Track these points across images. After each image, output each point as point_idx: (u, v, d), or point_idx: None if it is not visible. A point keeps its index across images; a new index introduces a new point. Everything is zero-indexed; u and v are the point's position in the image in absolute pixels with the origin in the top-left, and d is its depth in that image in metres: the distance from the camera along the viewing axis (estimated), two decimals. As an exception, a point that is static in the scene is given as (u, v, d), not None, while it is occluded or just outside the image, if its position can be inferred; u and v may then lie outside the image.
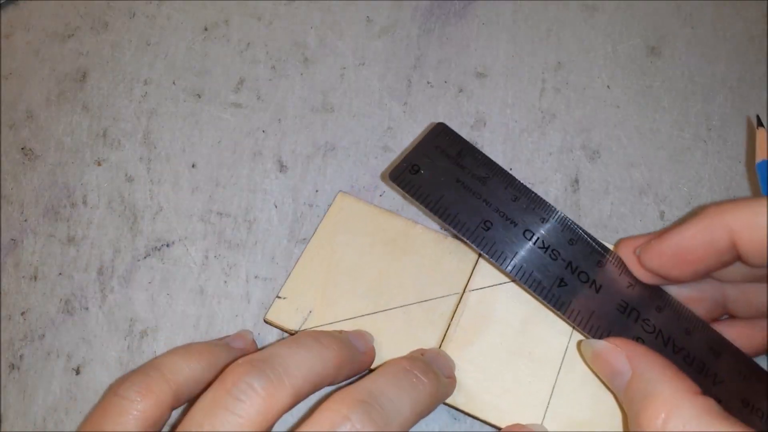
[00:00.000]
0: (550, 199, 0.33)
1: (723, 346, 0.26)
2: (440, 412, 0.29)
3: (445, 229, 0.31)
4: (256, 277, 0.32)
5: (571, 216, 0.33)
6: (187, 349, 0.26)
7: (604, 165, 0.34)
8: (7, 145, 0.36)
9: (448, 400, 0.27)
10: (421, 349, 0.28)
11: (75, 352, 0.31)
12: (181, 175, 0.35)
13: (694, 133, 0.35)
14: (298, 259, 0.31)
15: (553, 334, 0.29)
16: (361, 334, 0.28)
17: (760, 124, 0.32)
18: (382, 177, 0.34)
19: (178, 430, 0.22)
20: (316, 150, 0.35)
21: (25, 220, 0.34)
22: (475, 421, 0.28)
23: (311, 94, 0.37)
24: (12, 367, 0.31)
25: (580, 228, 0.28)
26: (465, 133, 0.35)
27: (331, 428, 0.20)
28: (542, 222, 0.28)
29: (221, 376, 0.22)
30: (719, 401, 0.21)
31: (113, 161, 0.35)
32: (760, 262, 0.23)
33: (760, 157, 0.30)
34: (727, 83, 0.37)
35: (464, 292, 0.30)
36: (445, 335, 0.29)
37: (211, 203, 0.34)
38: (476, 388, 0.28)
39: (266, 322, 0.30)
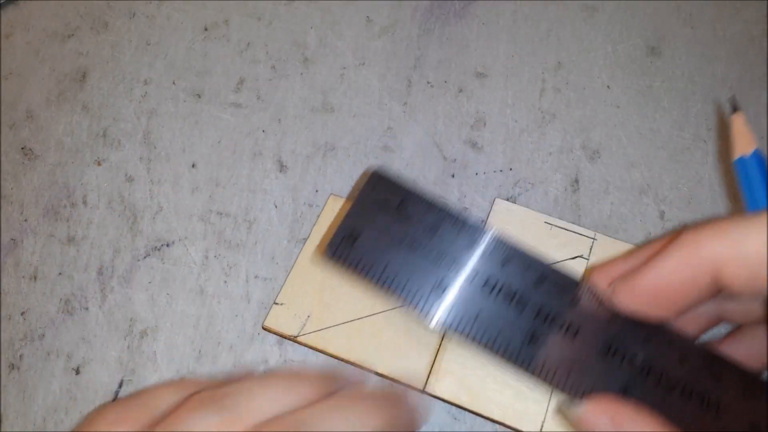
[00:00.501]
0: (549, 199, 0.33)
1: (722, 366, 0.24)
2: (440, 412, 0.29)
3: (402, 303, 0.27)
4: (256, 277, 0.32)
5: (570, 216, 0.33)
6: (277, 380, 0.22)
7: (604, 165, 0.34)
8: (7, 145, 0.36)
9: (451, 398, 0.27)
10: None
11: (75, 352, 0.31)
12: (181, 175, 0.35)
13: (694, 133, 0.35)
14: (294, 264, 0.31)
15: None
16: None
17: (734, 108, 0.26)
18: (318, 254, 0.33)
19: None
20: (316, 150, 0.35)
21: (25, 220, 0.34)
22: (476, 421, 0.28)
23: (311, 94, 0.37)
24: (12, 367, 0.31)
25: (546, 263, 0.26)
26: (465, 133, 0.35)
27: None
28: (503, 265, 0.25)
29: (182, 403, 0.21)
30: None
31: (113, 161, 0.35)
32: (750, 294, 0.20)
33: (738, 151, 0.24)
34: (727, 83, 0.37)
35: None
36: (444, 334, 0.29)
37: (211, 203, 0.34)
38: (478, 385, 0.28)
39: (264, 329, 0.30)
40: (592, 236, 0.31)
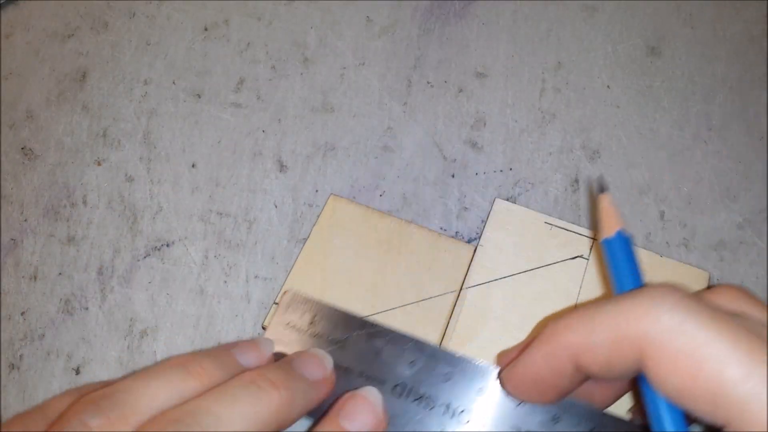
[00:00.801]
0: (549, 199, 0.33)
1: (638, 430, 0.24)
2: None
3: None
4: (256, 277, 0.32)
5: (570, 216, 0.33)
6: (167, 374, 0.22)
7: (604, 165, 0.34)
8: (7, 145, 0.36)
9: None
10: (293, 354, 0.26)
11: (75, 351, 0.31)
12: (181, 175, 0.35)
13: (694, 133, 0.35)
14: (293, 264, 0.31)
15: (552, 333, 0.29)
16: (313, 365, 0.25)
17: (601, 189, 0.26)
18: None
19: None
20: (316, 150, 0.35)
21: (25, 220, 0.34)
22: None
23: (311, 94, 0.37)
24: (12, 367, 0.31)
25: (454, 354, 0.26)
26: (465, 132, 0.35)
27: None
28: (412, 365, 0.26)
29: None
30: None
31: (113, 161, 0.35)
32: (612, 378, 0.21)
33: (606, 232, 0.24)
34: (727, 83, 0.37)
35: (461, 289, 0.30)
36: (444, 333, 0.29)
37: (211, 203, 0.34)
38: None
39: (264, 329, 0.30)
40: (593, 236, 0.31)
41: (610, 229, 0.25)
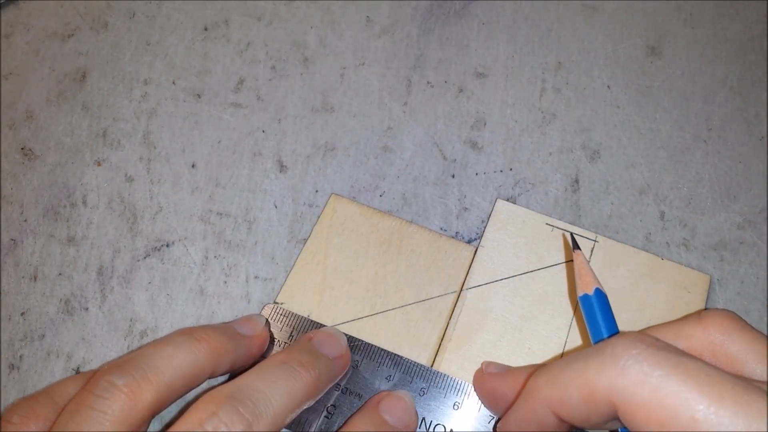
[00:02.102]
0: (549, 199, 0.33)
1: None
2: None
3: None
4: (256, 277, 0.32)
5: (570, 216, 0.33)
6: (177, 340, 0.24)
7: (604, 165, 0.34)
8: (7, 145, 0.36)
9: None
10: (309, 334, 0.28)
11: (75, 352, 0.31)
12: (181, 175, 0.35)
13: (694, 133, 0.35)
14: (294, 263, 0.31)
15: (551, 329, 0.29)
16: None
17: (575, 246, 0.28)
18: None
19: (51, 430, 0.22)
20: (316, 150, 0.35)
21: (25, 221, 0.34)
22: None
23: (311, 94, 0.37)
24: (12, 367, 0.31)
25: (429, 369, 0.27)
26: (465, 133, 0.35)
27: (200, 426, 0.21)
28: (388, 379, 0.27)
29: (191, 410, 0.22)
30: None
31: (113, 161, 0.35)
32: (594, 427, 0.21)
33: (581, 289, 0.26)
34: (727, 83, 0.37)
35: (461, 290, 0.30)
36: (444, 334, 0.29)
37: (211, 203, 0.34)
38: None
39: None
40: (594, 238, 0.31)
41: (587, 286, 0.26)
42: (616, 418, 0.20)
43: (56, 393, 0.24)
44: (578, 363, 0.20)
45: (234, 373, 0.27)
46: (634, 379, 0.19)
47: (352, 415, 0.26)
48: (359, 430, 0.24)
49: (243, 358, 0.26)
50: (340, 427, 0.25)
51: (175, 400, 0.24)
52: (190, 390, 0.24)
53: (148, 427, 0.23)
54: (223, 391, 0.22)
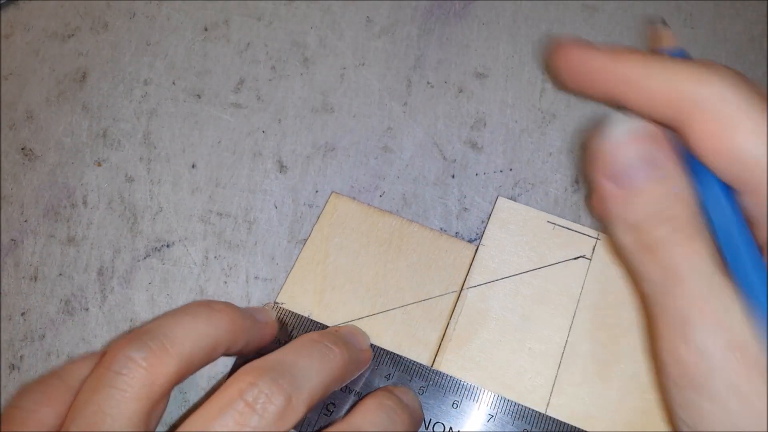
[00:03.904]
0: (550, 199, 0.33)
1: None
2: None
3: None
4: (256, 277, 0.32)
5: (571, 216, 0.33)
6: (196, 311, 0.24)
7: (604, 165, 0.34)
8: (7, 145, 0.36)
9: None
10: (335, 327, 0.28)
11: (75, 352, 0.31)
12: (181, 176, 0.35)
13: (694, 133, 0.35)
14: (293, 264, 0.31)
15: (552, 329, 0.29)
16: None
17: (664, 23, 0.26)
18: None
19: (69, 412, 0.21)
20: (316, 150, 0.35)
21: (25, 221, 0.34)
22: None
23: (311, 95, 0.37)
24: (12, 367, 0.31)
25: (428, 368, 0.27)
26: (465, 133, 0.35)
27: (240, 395, 0.20)
28: (387, 378, 0.27)
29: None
30: None
31: (113, 161, 0.35)
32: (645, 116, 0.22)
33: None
34: (727, 83, 0.37)
35: (462, 289, 0.30)
36: (444, 334, 0.29)
37: (211, 204, 0.34)
38: (478, 385, 0.28)
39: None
40: (596, 236, 0.31)
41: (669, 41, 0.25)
42: (671, 123, 0.21)
43: (68, 375, 0.23)
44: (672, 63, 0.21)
45: (244, 358, 0.26)
46: (717, 92, 0.20)
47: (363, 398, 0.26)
48: (372, 409, 0.24)
49: (256, 341, 0.26)
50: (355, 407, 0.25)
51: (192, 373, 0.23)
52: (207, 364, 0.23)
53: (168, 401, 0.23)
54: (262, 364, 0.22)
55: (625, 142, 0.21)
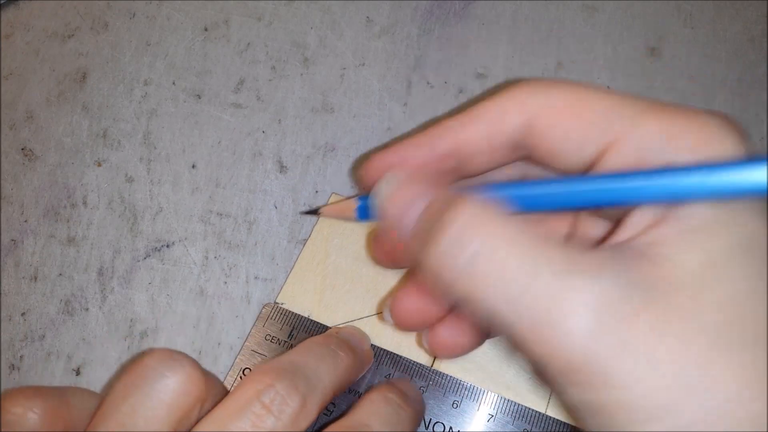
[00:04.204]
0: (550, 199, 0.33)
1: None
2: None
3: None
4: (256, 277, 0.32)
5: (570, 216, 0.33)
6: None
7: (604, 165, 0.34)
8: (7, 145, 0.36)
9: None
10: (336, 328, 0.29)
11: (75, 352, 0.31)
12: (181, 176, 0.35)
13: (694, 133, 0.35)
14: (293, 264, 0.31)
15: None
16: (359, 337, 0.28)
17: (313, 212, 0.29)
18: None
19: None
20: (316, 150, 0.35)
21: (25, 221, 0.34)
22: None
23: (311, 95, 0.37)
24: (12, 367, 0.31)
25: (428, 368, 0.27)
26: (465, 133, 0.35)
27: (257, 396, 0.20)
28: (387, 379, 0.27)
29: (246, 382, 0.21)
30: None
31: (113, 162, 0.35)
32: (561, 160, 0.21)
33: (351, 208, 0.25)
34: (727, 83, 0.37)
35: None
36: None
37: (211, 204, 0.34)
38: (478, 385, 0.28)
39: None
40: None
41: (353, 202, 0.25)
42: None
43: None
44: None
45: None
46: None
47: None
48: (376, 402, 0.24)
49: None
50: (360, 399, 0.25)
51: None
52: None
53: None
54: (276, 365, 0.22)
55: (395, 193, 0.21)
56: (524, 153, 0.21)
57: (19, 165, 0.35)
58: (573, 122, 0.19)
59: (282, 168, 0.35)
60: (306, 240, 0.32)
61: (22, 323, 0.32)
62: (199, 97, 0.37)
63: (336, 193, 0.33)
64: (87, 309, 0.32)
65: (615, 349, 0.15)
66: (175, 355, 0.21)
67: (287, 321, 0.29)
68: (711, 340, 0.15)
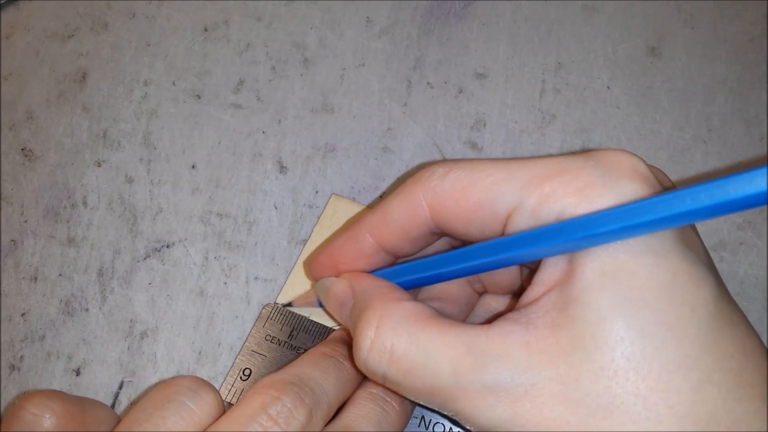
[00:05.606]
0: (549, 199, 0.33)
1: None
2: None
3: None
4: (256, 278, 0.32)
5: (570, 217, 0.33)
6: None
7: (604, 166, 0.34)
8: (7, 145, 0.36)
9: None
10: (336, 329, 0.29)
11: (75, 353, 0.31)
12: (181, 176, 0.35)
13: (694, 133, 0.35)
14: (293, 265, 0.31)
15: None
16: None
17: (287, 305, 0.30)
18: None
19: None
20: (316, 151, 0.35)
21: (25, 221, 0.34)
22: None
23: (311, 95, 0.37)
24: (12, 368, 0.31)
25: None
26: (465, 134, 0.35)
27: (263, 409, 0.20)
28: None
29: (252, 394, 0.22)
30: None
31: (113, 162, 0.35)
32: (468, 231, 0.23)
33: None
34: (727, 83, 0.37)
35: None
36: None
37: (211, 204, 0.34)
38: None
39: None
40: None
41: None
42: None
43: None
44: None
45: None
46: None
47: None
48: (361, 401, 0.24)
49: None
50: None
51: None
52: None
53: None
54: (282, 378, 0.22)
55: (326, 297, 0.25)
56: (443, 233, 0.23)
57: (19, 165, 0.35)
58: (466, 207, 0.21)
59: (282, 168, 0.35)
60: (306, 240, 0.32)
61: (22, 324, 0.32)
62: (199, 98, 0.37)
63: (336, 194, 0.33)
64: (87, 309, 0.32)
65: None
66: (203, 381, 0.22)
67: (287, 321, 0.29)
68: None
